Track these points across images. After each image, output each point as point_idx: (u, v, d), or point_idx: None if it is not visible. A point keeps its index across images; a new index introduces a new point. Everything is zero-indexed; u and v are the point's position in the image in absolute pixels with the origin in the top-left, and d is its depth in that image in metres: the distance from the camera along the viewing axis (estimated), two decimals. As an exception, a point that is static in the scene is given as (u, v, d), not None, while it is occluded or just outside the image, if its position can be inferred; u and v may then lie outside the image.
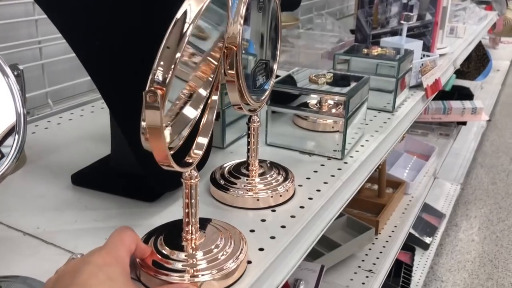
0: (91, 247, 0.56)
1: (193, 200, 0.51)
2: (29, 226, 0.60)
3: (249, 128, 0.66)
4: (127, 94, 0.58)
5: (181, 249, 0.51)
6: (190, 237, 0.52)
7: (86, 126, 0.91)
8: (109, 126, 0.71)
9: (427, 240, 1.87)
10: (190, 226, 0.52)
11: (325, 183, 0.72)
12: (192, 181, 0.50)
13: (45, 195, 0.68)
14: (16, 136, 0.40)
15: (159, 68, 0.41)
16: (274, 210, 0.65)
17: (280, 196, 0.66)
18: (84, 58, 0.57)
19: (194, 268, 0.49)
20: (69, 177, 0.71)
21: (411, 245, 1.80)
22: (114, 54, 0.58)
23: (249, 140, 0.67)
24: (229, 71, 0.56)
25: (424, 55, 1.21)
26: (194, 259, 0.50)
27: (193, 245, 0.52)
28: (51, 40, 1.00)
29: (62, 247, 0.57)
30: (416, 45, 1.15)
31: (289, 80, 0.85)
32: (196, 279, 0.48)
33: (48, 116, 0.95)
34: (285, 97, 0.82)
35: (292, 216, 0.63)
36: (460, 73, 2.84)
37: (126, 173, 0.69)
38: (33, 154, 0.79)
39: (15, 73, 0.42)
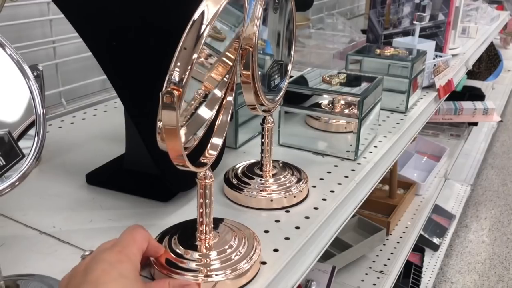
0: (107, 246, 0.56)
1: (207, 200, 0.51)
2: (45, 225, 0.61)
3: (263, 129, 0.66)
4: (144, 93, 0.58)
5: (195, 248, 0.51)
6: (204, 237, 0.52)
7: (100, 126, 0.92)
8: (123, 126, 0.71)
9: (437, 241, 1.86)
10: (204, 226, 0.52)
11: (338, 184, 0.72)
12: (207, 181, 0.50)
13: (60, 194, 0.68)
14: (36, 136, 0.40)
15: (176, 69, 0.42)
16: (288, 211, 0.65)
17: (294, 197, 0.66)
18: (100, 57, 0.58)
19: (208, 268, 0.49)
20: (83, 177, 0.71)
21: (420, 246, 1.79)
22: (130, 53, 0.58)
23: (263, 140, 0.67)
24: (244, 72, 0.57)
25: (436, 56, 1.21)
26: (207, 259, 0.50)
27: (206, 245, 0.52)
28: (65, 40, 1.00)
29: (78, 246, 0.57)
30: (428, 45, 1.14)
31: (302, 80, 0.85)
32: (209, 279, 0.48)
33: (62, 116, 0.96)
34: (298, 98, 0.82)
35: (306, 217, 0.63)
36: (470, 74, 2.82)
37: (140, 173, 0.69)
38: (47, 153, 0.79)
39: (35, 73, 0.42)
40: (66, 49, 1.02)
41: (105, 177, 0.71)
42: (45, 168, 0.76)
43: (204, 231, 0.52)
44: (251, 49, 0.55)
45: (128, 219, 0.62)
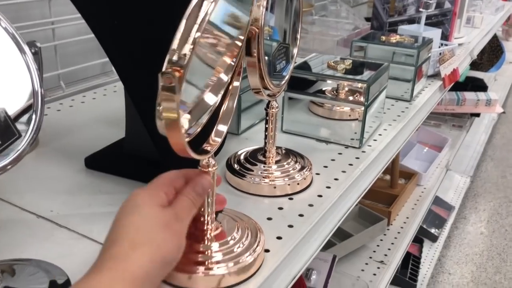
0: (106, 232, 0.55)
1: (209, 190, 0.49)
2: (43, 209, 0.59)
3: (267, 114, 0.65)
4: (146, 75, 0.57)
5: (195, 240, 0.49)
6: (205, 228, 0.50)
7: (99, 109, 0.90)
8: (122, 110, 0.70)
9: (436, 232, 1.85)
10: (206, 216, 0.50)
11: (343, 171, 0.70)
12: (210, 169, 0.48)
13: (58, 178, 0.67)
14: (34, 115, 0.38)
15: (177, 48, 0.38)
16: (291, 198, 0.64)
17: (298, 184, 0.65)
18: (102, 37, 0.56)
19: (209, 261, 0.47)
20: (82, 160, 0.70)
21: (419, 236, 1.79)
22: (132, 33, 0.56)
23: (266, 126, 0.66)
24: (250, 55, 0.55)
25: (442, 44, 1.19)
26: (209, 251, 0.48)
27: (208, 236, 0.50)
28: (65, 21, 0.98)
29: (76, 231, 0.56)
30: (434, 33, 1.12)
31: (306, 66, 0.83)
32: (211, 272, 0.46)
33: (61, 99, 0.94)
34: (302, 84, 0.81)
35: (310, 205, 0.62)
36: (473, 64, 2.80)
37: (140, 157, 0.68)
38: (45, 137, 0.77)
39: (33, 50, 0.40)
40: (66, 30, 1.00)
41: (104, 161, 0.69)
42: (43, 151, 0.74)
43: (206, 222, 0.50)
44: (257, 30, 0.53)
45: None
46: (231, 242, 0.49)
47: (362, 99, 0.76)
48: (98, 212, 0.59)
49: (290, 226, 0.57)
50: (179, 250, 0.42)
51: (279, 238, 0.55)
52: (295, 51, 0.66)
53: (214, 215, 0.51)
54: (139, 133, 0.64)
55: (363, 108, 0.76)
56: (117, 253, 0.38)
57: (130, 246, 0.39)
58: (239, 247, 0.49)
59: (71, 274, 0.48)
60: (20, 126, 0.40)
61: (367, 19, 1.51)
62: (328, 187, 0.66)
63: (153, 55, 0.56)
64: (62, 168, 0.69)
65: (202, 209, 0.49)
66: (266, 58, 0.57)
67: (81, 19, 0.57)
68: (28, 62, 0.39)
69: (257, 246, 0.50)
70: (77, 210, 0.60)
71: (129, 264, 0.38)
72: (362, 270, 1.24)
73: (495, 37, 2.93)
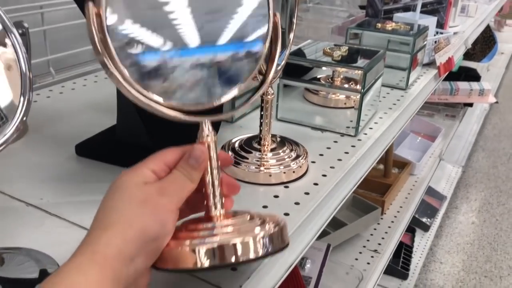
0: (98, 220, 0.53)
1: (214, 170, 0.44)
2: (32, 197, 0.58)
3: (262, 101, 0.64)
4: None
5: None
6: (212, 215, 0.44)
7: (90, 96, 0.88)
8: (113, 97, 0.68)
9: (428, 221, 1.86)
10: (210, 198, 0.44)
11: (339, 160, 0.69)
12: (204, 139, 0.44)
13: (48, 166, 0.65)
14: (21, 97, 0.37)
15: None
16: (287, 187, 0.63)
17: (293, 172, 0.64)
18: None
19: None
20: (72, 148, 0.68)
21: (411, 226, 1.79)
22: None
23: (262, 113, 0.64)
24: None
25: (437, 32, 1.18)
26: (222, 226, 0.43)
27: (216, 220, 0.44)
28: (54, 6, 0.96)
29: (67, 219, 0.54)
30: (430, 21, 1.11)
31: (301, 53, 0.82)
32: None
33: (50, 85, 0.92)
34: (298, 70, 0.79)
35: (306, 193, 0.61)
36: (466, 54, 2.80)
37: (132, 144, 0.66)
38: (35, 124, 0.75)
39: (20, 31, 0.39)
40: (55, 15, 0.97)
41: (95, 149, 0.68)
42: (33, 138, 0.72)
43: (209, 206, 0.44)
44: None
45: None
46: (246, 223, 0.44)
47: (357, 86, 0.75)
48: (89, 200, 0.58)
49: (286, 214, 0.56)
50: (162, 225, 0.39)
51: (275, 226, 0.54)
52: (291, 36, 0.64)
53: (220, 199, 0.44)
54: (131, 119, 0.63)
55: (359, 96, 0.75)
56: (89, 238, 0.38)
57: (101, 228, 0.38)
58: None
59: (62, 263, 0.47)
60: (6, 110, 0.38)
61: (362, 7, 1.49)
62: (324, 175, 0.65)
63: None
64: (53, 155, 0.67)
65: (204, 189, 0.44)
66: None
67: (71, 3, 0.56)
68: (15, 43, 0.37)
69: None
70: (68, 198, 0.58)
71: (99, 245, 0.36)
72: (356, 259, 1.24)
73: (487, 28, 2.93)
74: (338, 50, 0.80)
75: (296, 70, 0.79)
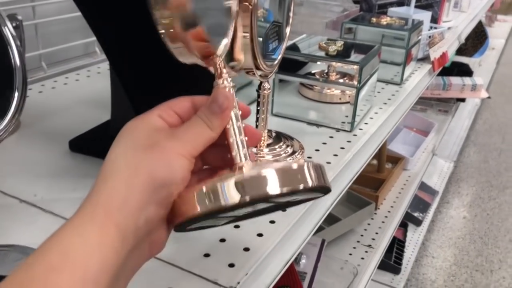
0: (93, 216, 0.53)
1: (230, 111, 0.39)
2: (26, 193, 0.57)
3: (259, 96, 0.63)
4: (135, 54, 0.54)
5: None
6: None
7: (82, 91, 0.87)
8: (107, 92, 0.67)
9: (420, 216, 1.87)
10: (235, 148, 0.39)
11: (335, 155, 0.69)
12: (226, 85, 0.39)
13: (41, 162, 0.64)
14: (16, 93, 0.36)
15: None
16: (283, 182, 0.62)
17: (290, 167, 0.63)
18: (89, 14, 0.53)
19: None
20: (66, 143, 0.67)
21: (404, 221, 1.80)
22: (121, 9, 0.54)
23: (258, 108, 0.64)
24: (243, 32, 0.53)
25: (432, 27, 1.18)
26: None
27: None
28: (45, -1, 0.94)
29: (62, 215, 0.54)
30: (424, 16, 1.11)
31: (296, 48, 0.82)
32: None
33: (42, 80, 0.91)
34: (293, 66, 0.79)
35: (303, 188, 0.61)
36: (458, 49, 2.81)
37: (127, 140, 0.65)
38: (27, 119, 0.74)
39: (14, 24, 0.38)
40: (47, 8, 0.96)
41: (89, 144, 0.67)
42: (26, 134, 0.71)
43: (239, 156, 0.38)
44: (250, 6, 0.51)
45: None
46: None
47: (353, 81, 0.75)
48: (84, 196, 0.56)
49: (283, 210, 0.56)
50: (171, 169, 0.34)
51: (272, 222, 0.54)
52: (287, 30, 0.64)
53: (247, 148, 0.39)
54: (125, 114, 0.62)
55: (354, 91, 0.75)
56: (91, 192, 0.34)
57: (103, 179, 0.34)
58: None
59: (57, 261, 0.46)
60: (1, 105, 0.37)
61: (355, 1, 1.49)
62: (321, 171, 0.65)
63: (143, 33, 0.53)
64: (46, 151, 0.67)
65: (230, 139, 0.39)
66: (260, 38, 0.55)
67: (63, -5, 0.55)
68: (8, 36, 0.37)
69: None
70: (62, 195, 0.57)
71: (100, 197, 0.33)
72: (350, 254, 1.24)
73: (479, 23, 2.94)
74: (333, 45, 0.79)
75: (291, 65, 0.79)
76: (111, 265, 0.30)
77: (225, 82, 0.40)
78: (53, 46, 0.97)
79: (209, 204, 0.33)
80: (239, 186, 0.33)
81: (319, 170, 0.37)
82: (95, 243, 0.30)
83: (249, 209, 0.37)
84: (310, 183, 0.35)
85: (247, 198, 0.33)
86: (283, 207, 0.38)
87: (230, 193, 0.33)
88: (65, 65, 0.99)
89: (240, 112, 0.39)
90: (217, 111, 0.37)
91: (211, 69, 0.41)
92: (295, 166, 0.35)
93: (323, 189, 0.37)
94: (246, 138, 0.39)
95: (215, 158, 0.40)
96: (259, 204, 0.35)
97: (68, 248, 0.30)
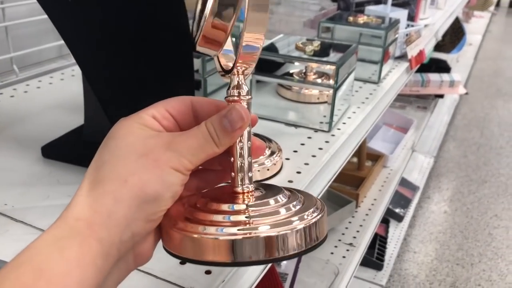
0: (66, 225, 0.51)
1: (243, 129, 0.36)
2: (-4, 202, 0.55)
3: (235, 98, 0.62)
4: (104, 56, 0.53)
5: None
6: (238, 189, 0.38)
7: (56, 95, 0.85)
8: (81, 95, 0.66)
9: (401, 212, 1.88)
10: (236, 171, 0.37)
11: (313, 156, 0.69)
12: (242, 97, 0.36)
13: (12, 169, 0.62)
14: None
15: None
16: (261, 185, 0.61)
17: (268, 170, 0.63)
18: (55, 18, 0.51)
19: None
20: (38, 149, 0.65)
21: (385, 217, 1.81)
22: (88, 11, 0.52)
23: (234, 110, 0.63)
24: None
25: (408, 25, 1.18)
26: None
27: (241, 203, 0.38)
28: (16, 0, 0.92)
29: (34, 225, 0.52)
30: (401, 14, 1.11)
31: (273, 48, 0.81)
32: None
33: (14, 84, 0.88)
34: (270, 66, 0.78)
35: (281, 191, 0.60)
36: (435, 46, 2.84)
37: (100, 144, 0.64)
38: (-2, 124, 0.73)
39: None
40: (18, 10, 0.93)
41: (62, 150, 0.66)
42: (-4, 140, 0.69)
43: (237, 181, 0.37)
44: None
45: None
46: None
47: (330, 81, 0.75)
48: (57, 204, 0.56)
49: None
50: (165, 184, 0.31)
51: (249, 226, 0.53)
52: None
53: (251, 175, 0.37)
54: (98, 118, 0.60)
55: (332, 91, 0.75)
56: (74, 200, 0.31)
57: (88, 187, 0.31)
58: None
59: (28, 272, 0.45)
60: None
61: (333, 0, 1.49)
62: (299, 172, 0.65)
63: (111, 36, 0.52)
64: (17, 158, 0.65)
65: (233, 158, 0.36)
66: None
67: (32, -3, 0.53)
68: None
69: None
70: (34, 203, 0.56)
71: (83, 209, 0.30)
72: (332, 253, 1.24)
73: (456, 19, 2.97)
74: (310, 45, 0.79)
75: (269, 65, 0.78)
76: (91, 285, 0.28)
77: (241, 94, 0.36)
78: (25, 48, 0.95)
79: (194, 254, 0.33)
80: (233, 246, 0.32)
81: (320, 225, 0.35)
82: (74, 260, 0.28)
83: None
84: (307, 245, 0.34)
85: (238, 261, 0.32)
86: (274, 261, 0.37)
87: (220, 252, 0.32)
88: (38, 68, 0.97)
89: (250, 129, 0.36)
90: (228, 129, 0.34)
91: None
92: (293, 232, 0.33)
93: (318, 245, 0.36)
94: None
95: (215, 162, 0.37)
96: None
97: (43, 264, 0.27)
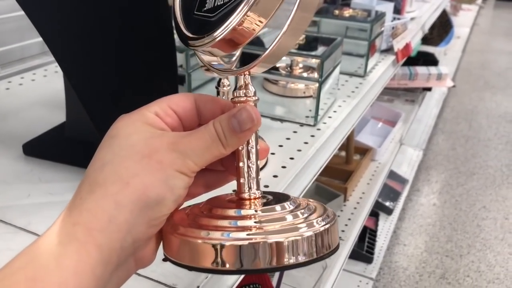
0: (46, 223, 0.51)
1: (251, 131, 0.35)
2: (-25, 201, 0.54)
3: (218, 93, 0.62)
4: (82, 50, 0.52)
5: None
6: (245, 195, 0.37)
7: (39, 92, 0.84)
8: (63, 92, 0.65)
9: (391, 205, 1.89)
10: (245, 175, 0.36)
11: (298, 150, 0.69)
12: (249, 98, 0.35)
13: (-7, 167, 0.61)
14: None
15: None
16: (246, 180, 0.61)
17: (252, 164, 0.62)
18: (31, 12, 0.51)
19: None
20: (20, 147, 0.64)
21: (375, 210, 1.82)
22: (64, 6, 0.52)
23: (218, 105, 0.62)
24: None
25: (395, 18, 1.18)
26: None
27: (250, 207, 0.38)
28: (-4, -4, 0.90)
29: (14, 224, 0.51)
30: (387, 7, 1.11)
31: (259, 42, 0.80)
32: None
33: (-5, 81, 0.87)
34: (255, 60, 0.78)
35: (266, 186, 0.60)
36: (423, 39, 2.85)
37: (83, 142, 0.63)
38: (-22, 122, 0.71)
39: None
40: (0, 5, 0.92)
41: (44, 147, 0.65)
42: (-24, 138, 0.68)
43: (244, 187, 0.36)
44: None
45: (70, 192, 0.55)
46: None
47: (316, 75, 0.75)
48: (38, 202, 0.55)
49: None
50: (168, 187, 0.30)
51: (233, 222, 0.53)
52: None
53: (257, 177, 0.35)
54: (79, 115, 0.60)
55: (317, 85, 0.74)
56: (72, 203, 0.29)
57: (87, 189, 0.29)
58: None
59: (8, 272, 0.44)
60: None
61: (320, -6, 1.48)
62: (284, 167, 0.64)
63: (87, 29, 0.51)
64: (-2, 156, 0.64)
65: (241, 163, 0.35)
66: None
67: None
68: None
69: None
70: (14, 202, 0.55)
71: (81, 213, 0.28)
72: (320, 247, 1.24)
73: (444, 12, 2.98)
74: (295, 39, 0.79)
75: (255, 59, 0.77)
76: None
77: (247, 94, 0.35)
78: (7, 45, 0.94)
79: (197, 261, 0.31)
80: (240, 252, 0.30)
81: (332, 232, 0.33)
82: (71, 269, 0.26)
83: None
84: (319, 254, 0.32)
85: (245, 268, 0.30)
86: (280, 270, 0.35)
87: (226, 258, 0.30)
88: (20, 65, 0.96)
89: (257, 133, 0.35)
90: (236, 129, 0.32)
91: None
92: (304, 238, 0.31)
93: (331, 253, 0.34)
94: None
95: (218, 163, 0.36)
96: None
97: (38, 273, 0.26)
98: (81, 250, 0.27)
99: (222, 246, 0.30)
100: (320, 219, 0.33)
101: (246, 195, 0.35)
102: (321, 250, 0.32)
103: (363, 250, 1.62)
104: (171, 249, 0.32)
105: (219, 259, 0.30)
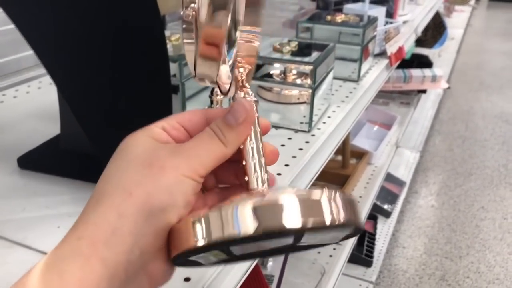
0: (42, 237, 0.51)
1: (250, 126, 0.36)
2: (-30, 216, 0.54)
3: (211, 102, 0.62)
4: (74, 63, 0.52)
5: None
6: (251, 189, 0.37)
7: (33, 104, 0.84)
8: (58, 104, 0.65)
9: (389, 208, 1.89)
10: (250, 171, 0.35)
11: (293, 157, 0.69)
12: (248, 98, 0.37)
13: (-12, 181, 0.61)
14: None
15: None
16: (241, 188, 0.61)
17: (247, 172, 0.62)
18: (23, 29, 0.51)
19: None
20: (15, 160, 0.64)
21: (373, 213, 1.82)
22: (56, 19, 0.52)
23: (212, 114, 0.62)
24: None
25: (387, 22, 1.19)
26: None
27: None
28: (-11, 10, 0.90)
29: (9, 238, 0.51)
30: (379, 11, 1.12)
31: (252, 49, 0.81)
32: None
33: (-10, 94, 0.87)
34: (248, 68, 0.78)
35: (261, 194, 0.60)
36: (418, 41, 2.86)
37: (78, 154, 0.63)
38: (-27, 136, 0.71)
39: None
40: (-9, 20, 0.92)
41: (39, 160, 0.65)
42: (-29, 152, 0.68)
43: (249, 182, 0.34)
44: (193, 13, 0.49)
45: (66, 205, 0.57)
46: None
47: (309, 81, 0.75)
48: (34, 216, 0.55)
49: (291, 252, 0.55)
50: (172, 193, 0.29)
51: (229, 231, 0.53)
52: (237, 34, 0.63)
53: (265, 172, 0.35)
54: (74, 127, 0.60)
55: (310, 91, 0.75)
56: (80, 217, 0.29)
57: (94, 203, 0.29)
58: None
59: (5, 286, 0.44)
60: None
61: (313, -1, 1.49)
62: (279, 174, 0.64)
63: (79, 43, 0.52)
64: (-8, 170, 0.64)
65: (244, 162, 0.34)
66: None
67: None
68: None
69: None
70: (10, 216, 0.55)
71: (87, 227, 0.28)
72: (319, 253, 1.24)
73: (437, 14, 3.00)
74: (287, 46, 0.79)
75: (247, 67, 0.78)
76: None
77: (246, 95, 0.36)
78: (1, 57, 0.94)
79: (213, 233, 0.28)
80: (255, 213, 0.27)
81: (353, 204, 0.31)
82: (75, 285, 0.26)
83: (258, 246, 0.31)
84: (344, 219, 0.28)
85: (262, 230, 0.27)
86: (293, 249, 0.33)
87: (243, 222, 0.27)
88: (15, 77, 0.96)
89: (260, 130, 0.35)
90: (232, 123, 0.33)
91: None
92: (325, 197, 0.28)
93: (354, 230, 0.32)
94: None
95: (231, 175, 0.36)
96: (273, 241, 0.29)
97: (43, 286, 0.26)
98: (85, 265, 0.27)
99: (236, 208, 0.27)
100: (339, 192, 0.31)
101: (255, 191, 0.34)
102: (350, 218, 0.29)
103: (362, 253, 1.62)
104: (175, 243, 0.30)
105: (231, 227, 0.27)
